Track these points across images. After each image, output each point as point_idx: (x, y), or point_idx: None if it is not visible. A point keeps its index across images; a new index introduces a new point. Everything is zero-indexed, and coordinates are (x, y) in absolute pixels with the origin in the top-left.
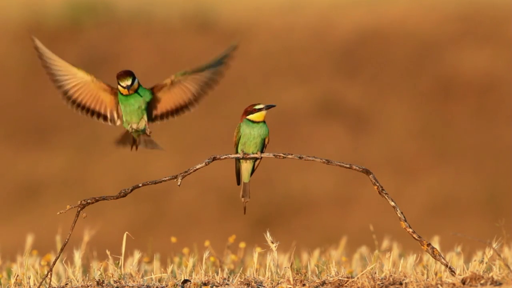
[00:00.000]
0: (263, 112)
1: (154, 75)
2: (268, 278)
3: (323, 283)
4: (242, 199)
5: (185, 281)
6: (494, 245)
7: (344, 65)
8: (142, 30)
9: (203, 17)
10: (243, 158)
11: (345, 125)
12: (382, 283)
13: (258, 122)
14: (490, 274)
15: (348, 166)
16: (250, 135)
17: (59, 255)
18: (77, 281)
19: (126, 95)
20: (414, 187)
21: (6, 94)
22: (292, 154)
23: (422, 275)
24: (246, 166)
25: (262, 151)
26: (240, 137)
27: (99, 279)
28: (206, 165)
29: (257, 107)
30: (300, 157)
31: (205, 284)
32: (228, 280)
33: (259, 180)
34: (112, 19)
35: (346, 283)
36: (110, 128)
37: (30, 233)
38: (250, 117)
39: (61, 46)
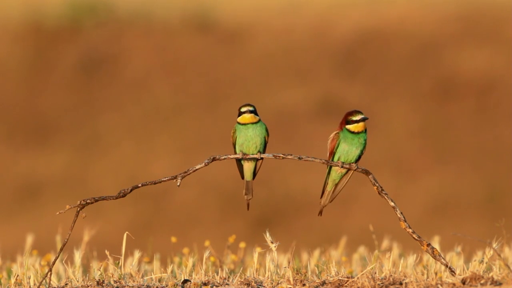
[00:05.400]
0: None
1: (154, 75)
2: (268, 278)
3: (323, 283)
4: (245, 196)
5: (185, 281)
6: (494, 245)
7: (344, 65)
8: (142, 30)
9: (203, 17)
10: (242, 159)
11: None
12: (382, 283)
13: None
14: (490, 274)
15: (348, 166)
16: (247, 136)
17: (58, 255)
18: (77, 281)
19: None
20: (414, 187)
21: (6, 94)
22: (291, 155)
23: (422, 275)
24: (248, 165)
25: (263, 151)
26: (236, 137)
27: (99, 279)
28: (205, 165)
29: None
30: (299, 158)
31: (205, 284)
32: (228, 280)
33: (259, 180)
34: (112, 19)
35: (346, 283)
36: (110, 128)
37: (30, 233)
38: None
39: (61, 46)
